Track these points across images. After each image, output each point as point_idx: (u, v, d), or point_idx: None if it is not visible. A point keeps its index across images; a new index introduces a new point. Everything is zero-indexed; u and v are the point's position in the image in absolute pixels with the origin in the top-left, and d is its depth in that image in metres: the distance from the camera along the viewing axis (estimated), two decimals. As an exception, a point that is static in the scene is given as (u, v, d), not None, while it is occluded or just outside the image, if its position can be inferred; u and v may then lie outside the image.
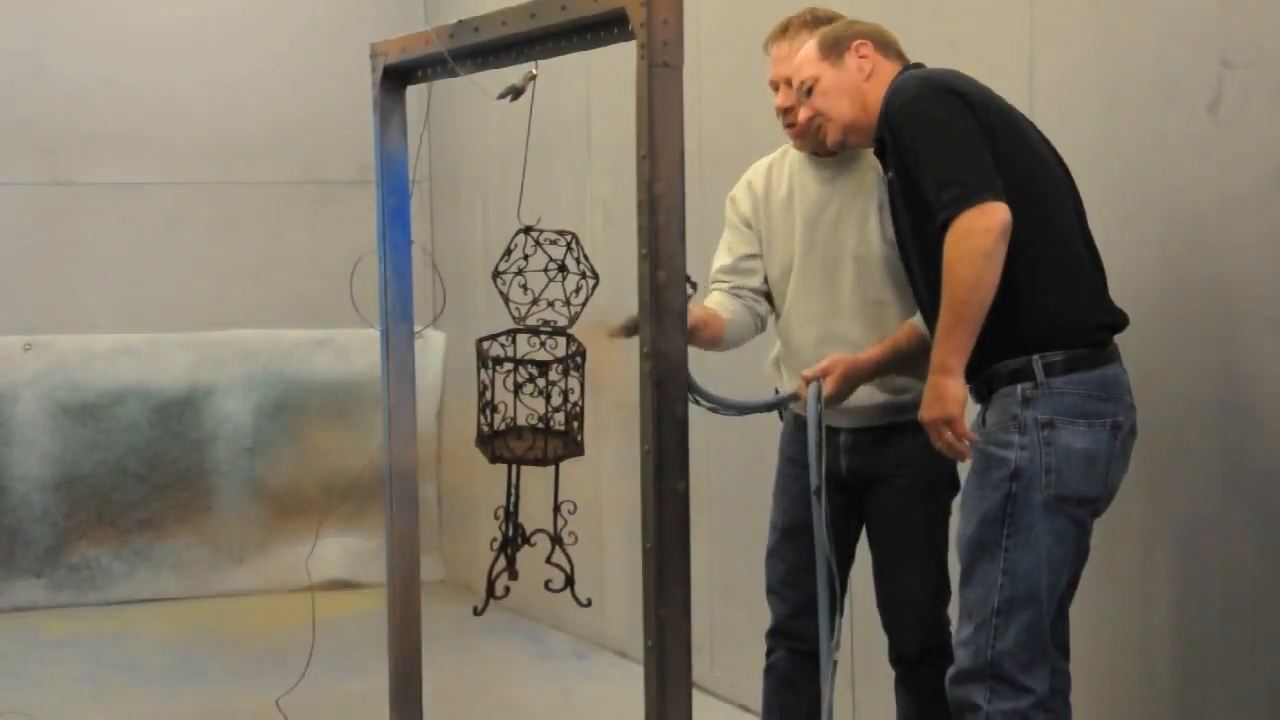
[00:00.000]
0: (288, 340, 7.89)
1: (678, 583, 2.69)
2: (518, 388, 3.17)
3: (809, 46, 3.69)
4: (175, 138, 7.75)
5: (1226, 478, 3.65)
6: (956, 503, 3.67)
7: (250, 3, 7.93)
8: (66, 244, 7.63)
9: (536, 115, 3.27)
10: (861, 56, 3.62)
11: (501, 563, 3.25)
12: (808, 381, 3.69)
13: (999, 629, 3.31)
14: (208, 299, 7.78)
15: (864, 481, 3.89)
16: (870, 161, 3.72)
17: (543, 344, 3.21)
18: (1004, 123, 3.39)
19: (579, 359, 3.19)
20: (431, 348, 7.83)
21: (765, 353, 4.08)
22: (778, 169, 3.94)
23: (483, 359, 3.20)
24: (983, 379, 3.38)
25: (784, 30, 3.87)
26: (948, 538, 3.83)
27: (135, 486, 7.63)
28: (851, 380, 3.69)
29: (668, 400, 2.67)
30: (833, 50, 3.64)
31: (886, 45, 3.65)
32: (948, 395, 3.28)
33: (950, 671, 3.40)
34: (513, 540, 3.25)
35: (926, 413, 3.32)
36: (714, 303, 3.92)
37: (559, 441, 3.19)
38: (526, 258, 3.22)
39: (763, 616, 4.04)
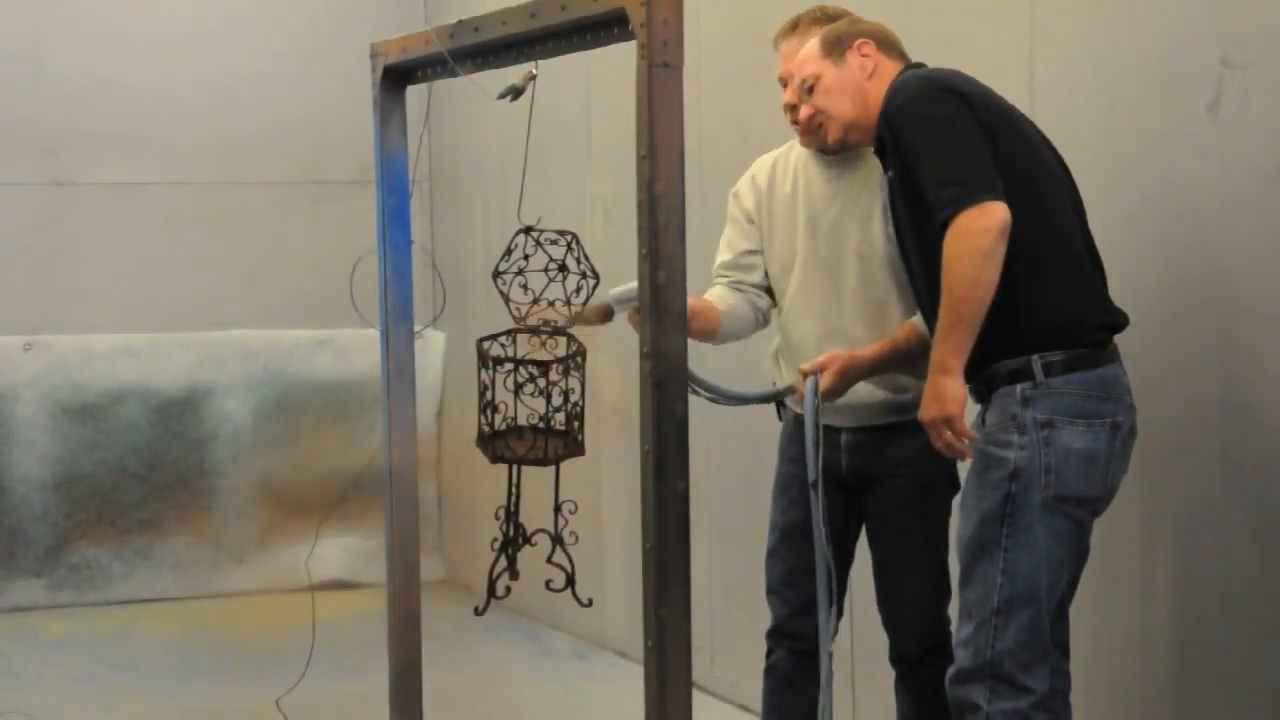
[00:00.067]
0: (288, 340, 7.89)
1: (678, 583, 2.69)
2: (518, 388, 3.17)
3: (811, 45, 3.70)
4: (175, 138, 7.75)
5: (1226, 478, 3.65)
6: (956, 502, 3.67)
7: (250, 3, 7.93)
8: (66, 244, 7.63)
9: (536, 115, 3.27)
10: (863, 55, 3.63)
11: (502, 563, 3.25)
12: (805, 375, 3.69)
13: (999, 629, 3.31)
14: (208, 299, 7.78)
15: (864, 481, 3.89)
16: (876, 160, 3.72)
17: (543, 344, 3.21)
18: (1004, 122, 3.39)
19: (579, 359, 3.19)
20: (431, 348, 7.83)
21: (765, 347, 4.09)
22: (782, 165, 3.95)
23: (483, 359, 3.20)
24: (982, 379, 3.38)
25: (794, 27, 3.88)
26: (948, 538, 3.83)
27: (135, 486, 7.63)
28: (849, 376, 3.69)
29: (668, 400, 2.67)
30: (835, 49, 3.64)
31: (889, 44, 3.66)
32: (947, 395, 3.28)
33: (950, 671, 3.40)
34: (513, 540, 3.25)
35: (926, 412, 3.32)
36: (714, 296, 3.93)
37: (559, 441, 3.19)
38: (527, 258, 3.22)
39: (763, 616, 4.04)
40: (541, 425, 3.19)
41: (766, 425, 4.28)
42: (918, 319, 3.69)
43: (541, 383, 3.16)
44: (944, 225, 3.26)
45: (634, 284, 3.59)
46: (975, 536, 3.35)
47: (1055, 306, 3.35)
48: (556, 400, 3.17)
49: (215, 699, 5.87)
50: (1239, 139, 3.58)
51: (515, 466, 3.23)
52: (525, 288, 3.21)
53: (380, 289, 3.56)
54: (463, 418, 7.48)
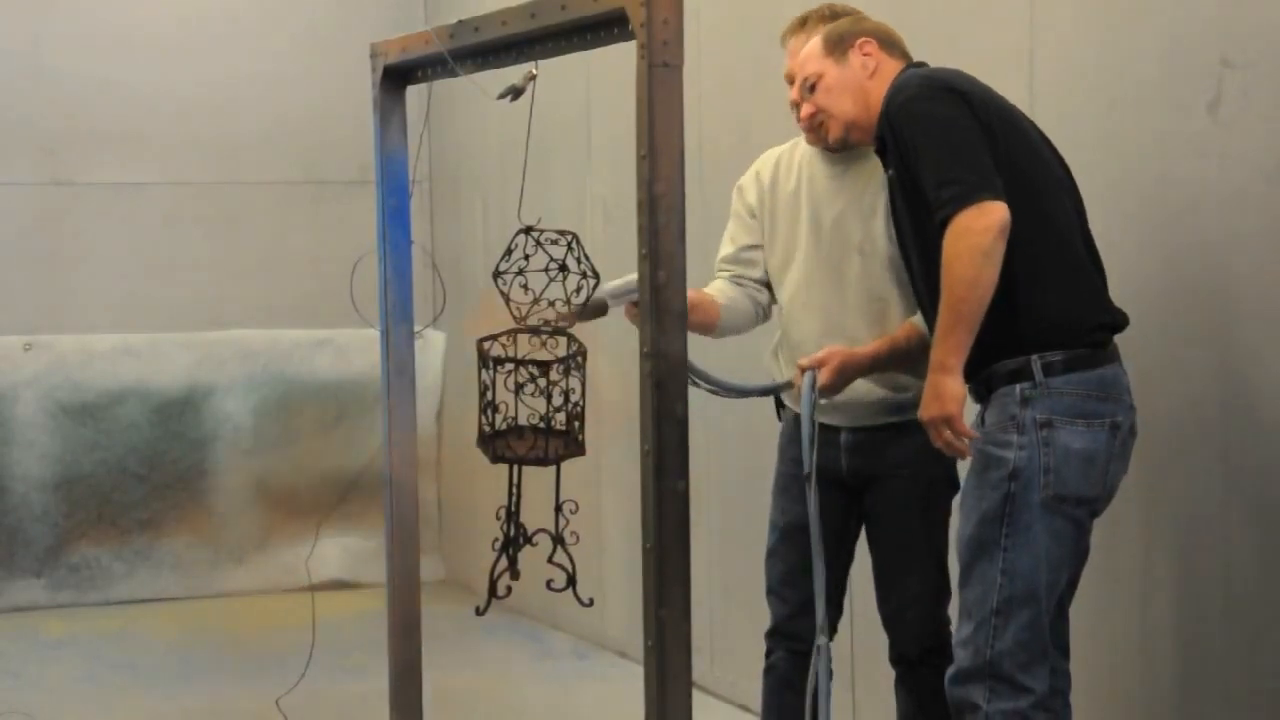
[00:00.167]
0: (288, 340, 7.89)
1: (678, 583, 2.69)
2: (519, 388, 3.17)
3: (813, 43, 3.70)
4: (175, 138, 7.75)
5: (1226, 478, 3.65)
6: (956, 502, 3.67)
7: (250, 3, 7.93)
8: (66, 244, 7.63)
9: (536, 115, 3.27)
10: (865, 54, 3.63)
11: (503, 562, 3.25)
12: (803, 370, 3.70)
13: (998, 629, 3.31)
14: (208, 299, 7.78)
15: (864, 481, 3.89)
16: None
17: (544, 344, 3.21)
18: (1004, 122, 3.39)
19: (580, 359, 3.20)
20: (431, 348, 7.83)
21: (764, 342, 4.09)
22: (786, 161, 3.95)
23: (484, 359, 3.20)
24: (982, 379, 3.38)
25: (802, 24, 3.88)
26: (947, 538, 3.83)
27: (135, 486, 7.63)
28: (847, 372, 3.69)
29: (668, 400, 2.67)
30: (837, 47, 3.65)
31: (891, 44, 3.66)
32: (946, 394, 3.28)
33: (950, 671, 3.40)
34: (514, 540, 3.25)
35: (925, 411, 3.32)
36: (714, 289, 3.94)
37: (560, 441, 3.19)
38: (527, 258, 3.22)
39: (763, 616, 4.04)
40: (542, 425, 3.19)
41: (766, 425, 4.28)
42: (918, 318, 3.69)
43: (542, 383, 3.16)
44: (944, 224, 3.26)
45: (629, 278, 3.60)
46: (975, 536, 3.35)
47: (1055, 306, 3.35)
48: (557, 400, 3.17)
49: (215, 699, 5.87)
50: (1239, 139, 3.58)
51: (516, 466, 3.23)
52: (526, 288, 3.21)
53: (380, 289, 3.56)
54: (463, 418, 7.48)
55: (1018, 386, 3.33)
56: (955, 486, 3.79)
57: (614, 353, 4.63)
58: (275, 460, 7.82)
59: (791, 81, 3.85)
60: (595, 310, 3.53)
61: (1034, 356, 3.32)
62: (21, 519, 7.47)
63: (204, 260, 7.78)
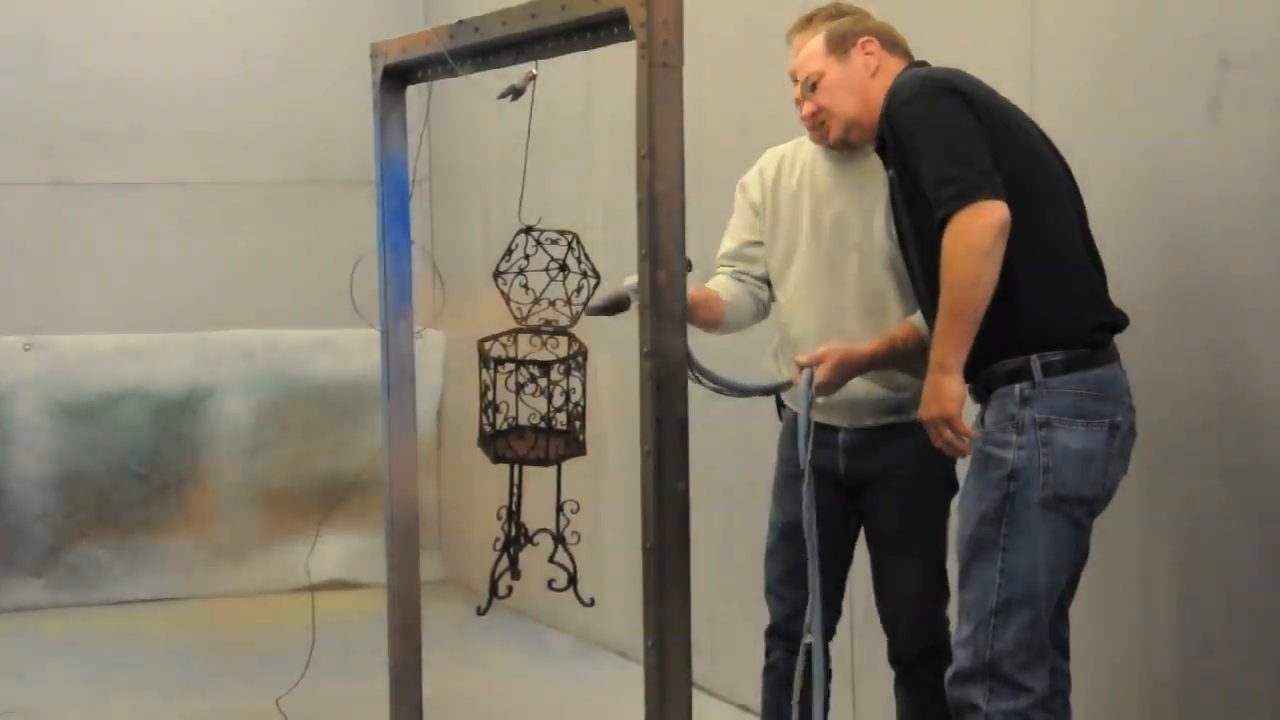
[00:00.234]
0: (287, 340, 7.89)
1: (678, 583, 2.69)
2: (519, 388, 3.18)
3: (815, 42, 3.70)
4: (175, 137, 7.75)
5: (1226, 478, 3.65)
6: (955, 503, 3.67)
7: (250, 3, 7.93)
8: (66, 244, 7.63)
9: (536, 115, 3.27)
10: (867, 53, 3.63)
11: (504, 562, 3.25)
12: (801, 368, 3.70)
13: (997, 629, 3.31)
14: (208, 299, 7.78)
15: (862, 482, 3.89)
16: None
17: (544, 344, 3.21)
18: (1005, 122, 3.39)
19: (580, 359, 3.20)
20: (431, 348, 7.83)
21: (763, 339, 4.09)
22: (790, 160, 3.95)
23: (484, 359, 3.21)
24: (981, 379, 3.38)
25: (808, 21, 3.87)
26: (946, 539, 3.83)
27: (135, 486, 7.63)
28: (845, 370, 3.69)
29: (668, 400, 2.67)
30: (839, 46, 3.65)
31: (893, 43, 3.67)
32: (946, 393, 3.28)
33: (949, 672, 3.40)
34: (515, 540, 3.25)
35: (925, 411, 3.32)
36: (717, 285, 3.94)
37: (561, 441, 3.19)
38: (528, 257, 3.22)
39: (763, 616, 4.04)
40: (543, 425, 3.19)
41: (766, 425, 4.28)
42: (917, 317, 3.69)
43: (543, 382, 3.16)
44: (943, 224, 3.26)
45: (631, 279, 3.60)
46: (974, 536, 3.35)
47: (1054, 306, 3.35)
48: (558, 400, 3.17)
49: (215, 699, 5.87)
50: (1239, 139, 3.58)
51: (517, 466, 3.24)
52: (526, 288, 3.21)
53: (380, 289, 3.56)
54: (463, 418, 7.48)
55: (1017, 386, 3.33)
56: (954, 487, 3.79)
57: (615, 353, 4.63)
58: (275, 460, 7.82)
59: (796, 79, 3.85)
60: (618, 305, 3.52)
61: (1033, 356, 3.32)
62: (21, 519, 7.47)
63: (204, 260, 7.78)
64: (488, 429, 3.23)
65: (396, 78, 3.51)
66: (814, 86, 3.69)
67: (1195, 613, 3.75)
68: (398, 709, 3.62)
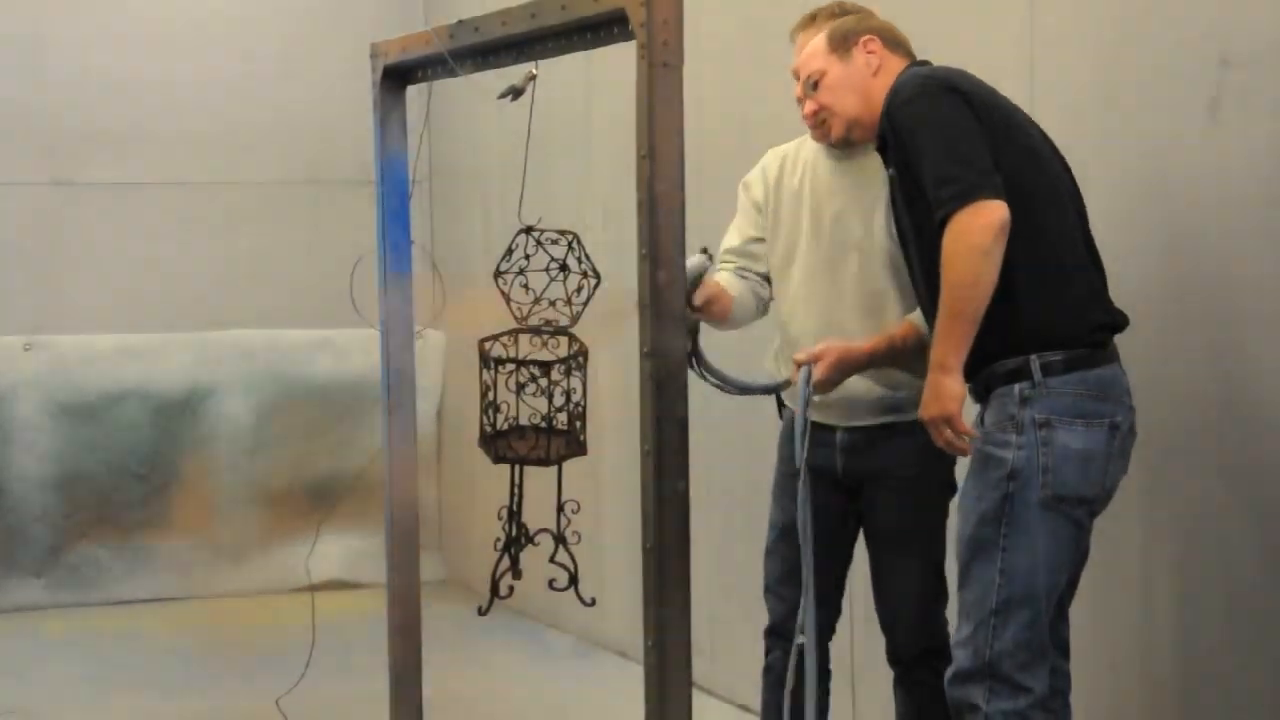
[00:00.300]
0: (287, 340, 7.89)
1: (678, 583, 2.69)
2: (520, 388, 3.18)
3: (817, 40, 3.70)
4: (175, 137, 7.75)
5: (1226, 478, 3.65)
6: (954, 504, 3.67)
7: (250, 3, 7.93)
8: (66, 244, 7.63)
9: (536, 115, 3.27)
10: (869, 52, 3.64)
11: (505, 562, 3.25)
12: (799, 365, 3.70)
13: (997, 629, 3.31)
14: (208, 299, 7.78)
15: (860, 482, 3.89)
16: None
17: (545, 344, 3.21)
18: (1006, 122, 3.39)
19: (581, 359, 3.20)
20: (431, 348, 7.83)
21: (763, 338, 4.09)
22: (792, 159, 3.95)
23: (485, 359, 3.21)
24: (980, 378, 3.38)
25: (811, 20, 3.87)
26: (945, 539, 3.83)
27: (135, 486, 7.63)
28: (843, 367, 3.69)
29: (668, 400, 2.67)
30: (841, 45, 3.65)
31: (895, 42, 3.67)
32: (946, 393, 3.28)
33: (949, 672, 3.40)
34: (516, 540, 3.25)
35: (926, 410, 3.32)
36: (721, 280, 3.94)
37: (561, 441, 3.19)
38: (528, 257, 3.22)
39: (762, 616, 4.04)
40: (543, 425, 3.19)
41: (767, 425, 4.28)
42: (915, 316, 3.69)
43: (543, 382, 3.16)
44: (943, 223, 3.26)
45: (690, 261, 3.63)
46: (973, 537, 3.35)
47: (1054, 307, 3.34)
48: (558, 400, 3.17)
49: (215, 699, 5.87)
50: (1239, 139, 3.58)
51: (518, 466, 3.24)
52: (526, 288, 3.21)
53: (380, 289, 3.56)
54: (463, 418, 7.48)
55: (1016, 386, 3.33)
56: (952, 489, 3.80)
57: (615, 352, 4.63)
58: (275, 460, 7.82)
59: (798, 77, 3.86)
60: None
61: (1033, 356, 3.32)
62: (21, 519, 7.47)
63: (204, 260, 7.78)
64: (488, 429, 3.23)
65: (396, 78, 3.51)
66: (816, 85, 3.69)
67: (1195, 613, 3.75)
68: (398, 709, 3.62)
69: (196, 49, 7.77)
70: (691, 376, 2.76)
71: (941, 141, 3.31)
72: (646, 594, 2.70)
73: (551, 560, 3.22)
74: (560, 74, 4.07)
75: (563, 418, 3.19)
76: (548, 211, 3.38)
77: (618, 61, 3.21)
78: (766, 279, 3.98)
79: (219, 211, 7.84)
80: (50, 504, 7.50)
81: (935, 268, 3.29)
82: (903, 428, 3.77)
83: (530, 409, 3.19)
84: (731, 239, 4.01)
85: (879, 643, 3.98)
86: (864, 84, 3.63)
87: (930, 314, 3.42)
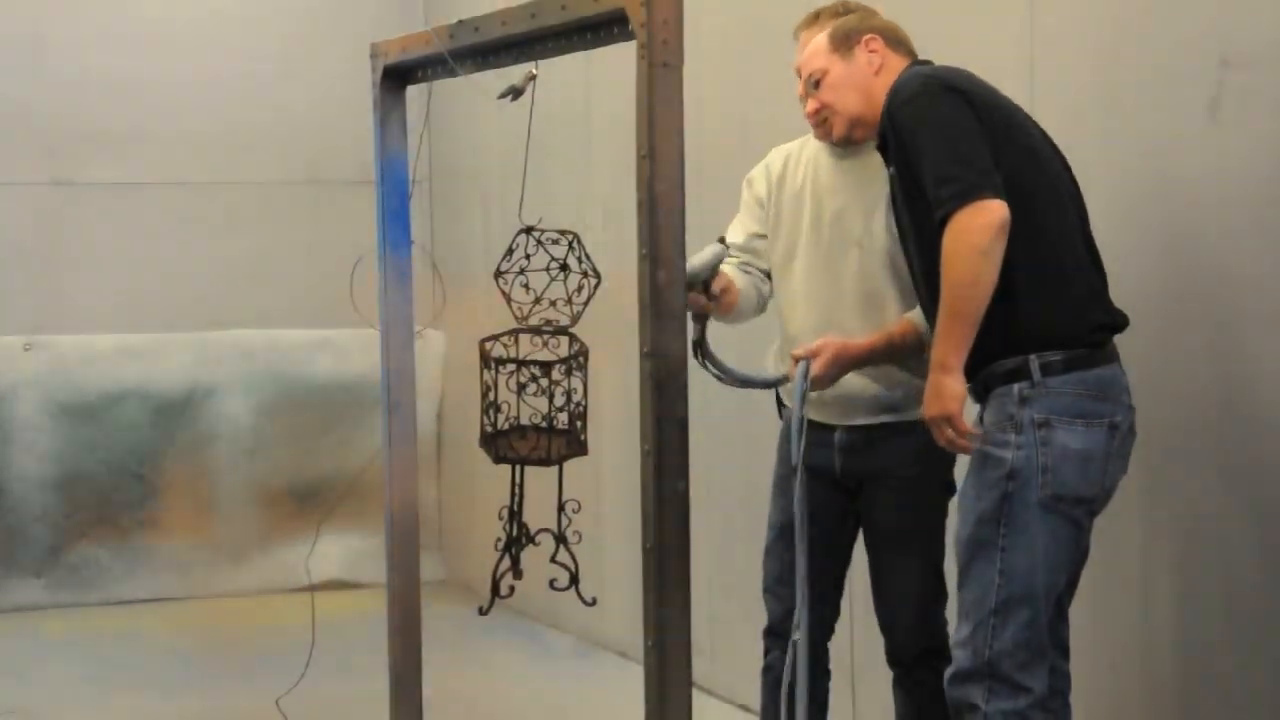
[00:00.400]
0: (287, 340, 7.89)
1: (678, 583, 2.69)
2: (521, 388, 3.18)
3: (819, 39, 3.70)
4: (175, 137, 7.75)
5: (1226, 478, 3.65)
6: (954, 504, 3.67)
7: (250, 3, 7.93)
8: (66, 244, 7.64)
9: (536, 115, 3.28)
10: (871, 51, 3.64)
11: (506, 562, 3.25)
12: (797, 360, 3.70)
13: (996, 629, 3.31)
14: (208, 299, 7.78)
15: (859, 482, 3.89)
16: None
17: (545, 344, 3.21)
18: (1006, 121, 3.39)
19: (581, 359, 3.20)
20: (431, 348, 7.83)
21: (762, 336, 4.10)
22: (795, 157, 3.96)
23: (485, 359, 3.21)
24: (980, 378, 3.38)
25: (815, 18, 3.87)
26: (944, 540, 3.83)
27: (135, 486, 7.63)
28: (841, 363, 3.69)
29: (668, 400, 2.67)
30: (843, 44, 3.65)
31: (897, 41, 3.67)
32: (946, 393, 3.28)
33: (949, 672, 3.40)
34: (517, 540, 3.26)
35: (927, 410, 3.32)
36: (727, 273, 3.94)
37: (562, 441, 3.19)
38: (528, 257, 3.23)
39: (763, 616, 4.04)
40: (544, 425, 3.19)
41: (766, 425, 4.28)
42: (914, 314, 3.70)
43: (544, 382, 3.17)
44: (943, 223, 3.26)
45: (709, 250, 3.62)
46: (972, 536, 3.35)
47: (1054, 307, 3.34)
48: (559, 400, 3.18)
49: (215, 699, 5.87)
50: (1239, 139, 3.58)
51: (518, 466, 3.24)
52: (527, 287, 3.22)
53: (380, 289, 3.56)
54: (463, 418, 7.48)
55: (1015, 386, 3.33)
56: (951, 489, 3.80)
57: (616, 352, 4.63)
58: (275, 460, 7.82)
59: (801, 76, 3.86)
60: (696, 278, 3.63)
61: (1032, 356, 3.32)
62: (21, 519, 7.47)
63: (204, 260, 7.78)
64: (489, 429, 3.23)
65: (396, 78, 3.51)
66: (817, 84, 3.69)
67: (1195, 613, 3.75)
68: (398, 709, 3.62)
69: (196, 49, 7.77)
70: (692, 372, 2.76)
71: (942, 141, 3.31)
72: (646, 594, 2.70)
73: (552, 560, 3.22)
74: (560, 74, 4.07)
75: (563, 417, 3.19)
76: (548, 211, 3.38)
77: (618, 61, 3.22)
78: (767, 275, 3.99)
79: (219, 211, 7.84)
80: (50, 504, 7.50)
81: (935, 267, 3.29)
82: (902, 428, 3.78)
83: (531, 409, 3.19)
84: (734, 234, 4.02)
85: (879, 643, 3.98)
86: (866, 83, 3.63)
87: (930, 314, 3.42)
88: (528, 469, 3.24)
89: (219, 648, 6.67)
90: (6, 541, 7.45)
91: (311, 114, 7.89)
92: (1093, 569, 3.51)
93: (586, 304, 3.24)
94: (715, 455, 5.45)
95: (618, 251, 3.75)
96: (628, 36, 2.72)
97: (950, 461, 3.77)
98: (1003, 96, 3.46)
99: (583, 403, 3.20)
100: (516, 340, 3.22)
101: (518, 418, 3.21)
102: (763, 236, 3.98)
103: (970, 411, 3.37)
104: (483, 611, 3.31)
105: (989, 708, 3.31)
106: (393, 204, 3.53)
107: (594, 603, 3.27)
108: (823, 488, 3.85)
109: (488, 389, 3.21)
